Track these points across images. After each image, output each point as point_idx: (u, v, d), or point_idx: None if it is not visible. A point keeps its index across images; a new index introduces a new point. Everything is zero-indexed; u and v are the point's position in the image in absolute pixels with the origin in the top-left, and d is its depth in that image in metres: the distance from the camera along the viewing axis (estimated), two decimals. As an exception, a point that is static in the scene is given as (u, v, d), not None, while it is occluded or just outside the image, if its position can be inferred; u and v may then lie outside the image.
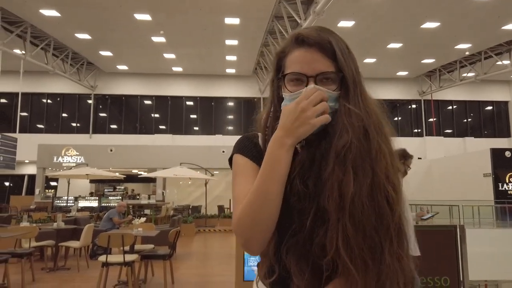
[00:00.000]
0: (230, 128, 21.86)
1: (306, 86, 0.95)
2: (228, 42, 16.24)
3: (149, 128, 21.27)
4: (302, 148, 0.98)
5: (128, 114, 21.56)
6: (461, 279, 4.20)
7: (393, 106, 22.40)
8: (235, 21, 14.28)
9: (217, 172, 16.83)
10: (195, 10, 13.45)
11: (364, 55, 17.93)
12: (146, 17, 14.03)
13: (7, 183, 21.55)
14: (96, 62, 19.76)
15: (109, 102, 21.62)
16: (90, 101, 21.25)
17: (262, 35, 15.62)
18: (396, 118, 22.51)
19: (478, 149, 18.33)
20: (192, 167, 14.26)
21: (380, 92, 21.98)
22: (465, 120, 23.02)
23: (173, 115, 21.52)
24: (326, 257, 0.88)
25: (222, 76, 21.32)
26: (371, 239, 0.85)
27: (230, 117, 22.10)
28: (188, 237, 11.52)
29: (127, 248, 5.56)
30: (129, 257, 5.06)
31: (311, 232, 0.90)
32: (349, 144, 0.89)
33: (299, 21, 12.59)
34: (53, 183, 19.99)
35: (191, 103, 21.77)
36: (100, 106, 21.60)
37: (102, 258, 4.93)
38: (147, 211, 12.99)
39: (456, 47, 17.04)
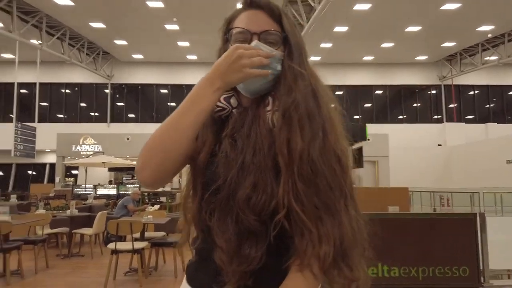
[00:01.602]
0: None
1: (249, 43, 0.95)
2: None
3: (165, 116, 20.93)
4: (238, 113, 0.99)
5: (144, 103, 21.71)
6: (481, 268, 4.05)
7: (412, 91, 21.86)
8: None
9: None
10: (208, -4, 13.28)
11: (381, 39, 17.47)
12: (159, 4, 13.95)
13: (29, 172, 22.12)
14: (112, 51, 19.88)
15: (125, 91, 21.81)
16: (107, 91, 21.47)
17: (276, 20, 15.33)
18: (415, 104, 21.98)
19: (501, 135, 17.74)
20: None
21: (398, 77, 21.47)
22: (487, 106, 22.27)
23: (188, 104, 21.51)
24: (255, 212, 0.85)
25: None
26: (326, 196, 0.85)
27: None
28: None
29: (138, 235, 5.58)
30: (139, 245, 5.07)
31: (235, 184, 0.87)
32: (296, 103, 0.89)
33: (312, 4, 12.30)
34: (74, 172, 20.40)
35: (206, 91, 21.71)
36: (117, 95, 21.80)
37: (111, 245, 4.96)
38: (162, 199, 13.09)
39: (478, 29, 16.39)
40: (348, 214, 0.88)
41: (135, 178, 22.03)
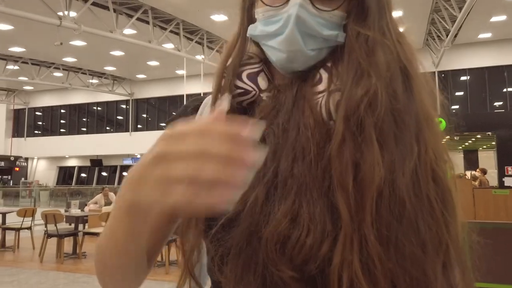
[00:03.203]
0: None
1: None
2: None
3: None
4: (269, 97, 0.63)
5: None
6: None
7: None
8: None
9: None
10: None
11: None
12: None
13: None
14: (263, 57, 21.08)
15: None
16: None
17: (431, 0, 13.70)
18: None
19: None
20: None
21: None
22: None
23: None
24: (294, 263, 0.50)
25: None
26: (413, 262, 0.49)
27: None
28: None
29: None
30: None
31: (262, 213, 0.53)
32: (373, 97, 0.52)
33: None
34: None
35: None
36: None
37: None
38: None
39: None
40: (449, 285, 0.52)
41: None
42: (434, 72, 18.99)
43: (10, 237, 7.52)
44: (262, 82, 0.65)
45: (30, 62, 19.99)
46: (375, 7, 0.59)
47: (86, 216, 7.59)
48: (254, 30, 0.64)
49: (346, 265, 0.48)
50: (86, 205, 9.08)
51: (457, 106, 19.05)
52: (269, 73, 0.66)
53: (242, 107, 0.65)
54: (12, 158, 26.81)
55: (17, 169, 26.94)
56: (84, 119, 27.27)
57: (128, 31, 14.89)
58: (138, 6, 14.27)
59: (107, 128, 26.65)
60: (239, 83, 0.65)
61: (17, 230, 7.38)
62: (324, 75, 0.59)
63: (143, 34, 15.14)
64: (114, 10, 13.73)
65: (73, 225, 7.36)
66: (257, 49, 0.69)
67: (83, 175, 27.57)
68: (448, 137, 0.63)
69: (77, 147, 25.64)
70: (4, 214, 7.63)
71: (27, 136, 27.97)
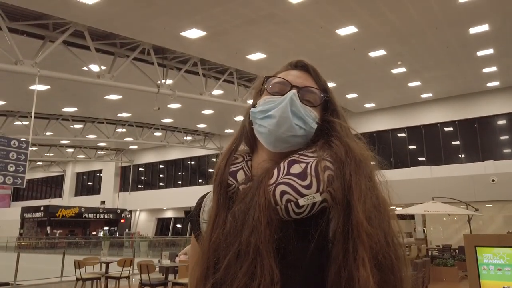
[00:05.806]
0: (507, 150, 18.23)
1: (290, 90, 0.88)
2: (481, 53, 14.02)
3: (404, 161, 20.44)
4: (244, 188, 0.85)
5: (381, 150, 21.52)
6: None
7: None
8: (482, 28, 12.29)
9: (490, 205, 14.21)
10: (431, 30, 12.46)
11: None
12: (381, 52, 14.05)
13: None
14: (345, 105, 21.02)
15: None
16: (345, 142, 22.53)
17: (526, 33, 12.70)
18: None
19: None
20: (447, 201, 12.58)
21: None
22: None
23: (429, 145, 19.97)
24: None
25: (483, 93, 18.38)
26: None
27: (504, 137, 18.51)
28: (450, 283, 10.00)
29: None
30: None
31: (233, 274, 0.73)
32: (365, 199, 0.78)
33: None
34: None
35: (449, 128, 19.68)
36: (355, 146, 22.51)
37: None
38: (404, 251, 12.19)
39: None
40: None
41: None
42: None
43: (111, 285, 8.28)
44: (241, 176, 0.88)
45: (135, 125, 22.66)
46: (341, 116, 0.94)
47: (177, 266, 8.07)
48: (255, 109, 0.90)
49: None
50: (177, 255, 9.64)
51: None
52: (247, 168, 0.89)
53: (229, 195, 0.87)
54: (118, 211, 29.76)
55: (122, 220, 29.71)
56: (179, 173, 29.45)
57: (216, 92, 16.22)
58: (224, 69, 15.57)
59: (199, 180, 28.34)
60: (229, 179, 0.89)
61: (117, 279, 8.13)
62: (276, 172, 0.81)
63: (229, 93, 16.33)
64: (204, 75, 15.16)
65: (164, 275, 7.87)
66: (242, 148, 0.96)
67: (178, 225, 29.27)
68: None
69: (173, 199, 27.57)
70: (107, 264, 8.49)
71: (131, 190, 30.98)
